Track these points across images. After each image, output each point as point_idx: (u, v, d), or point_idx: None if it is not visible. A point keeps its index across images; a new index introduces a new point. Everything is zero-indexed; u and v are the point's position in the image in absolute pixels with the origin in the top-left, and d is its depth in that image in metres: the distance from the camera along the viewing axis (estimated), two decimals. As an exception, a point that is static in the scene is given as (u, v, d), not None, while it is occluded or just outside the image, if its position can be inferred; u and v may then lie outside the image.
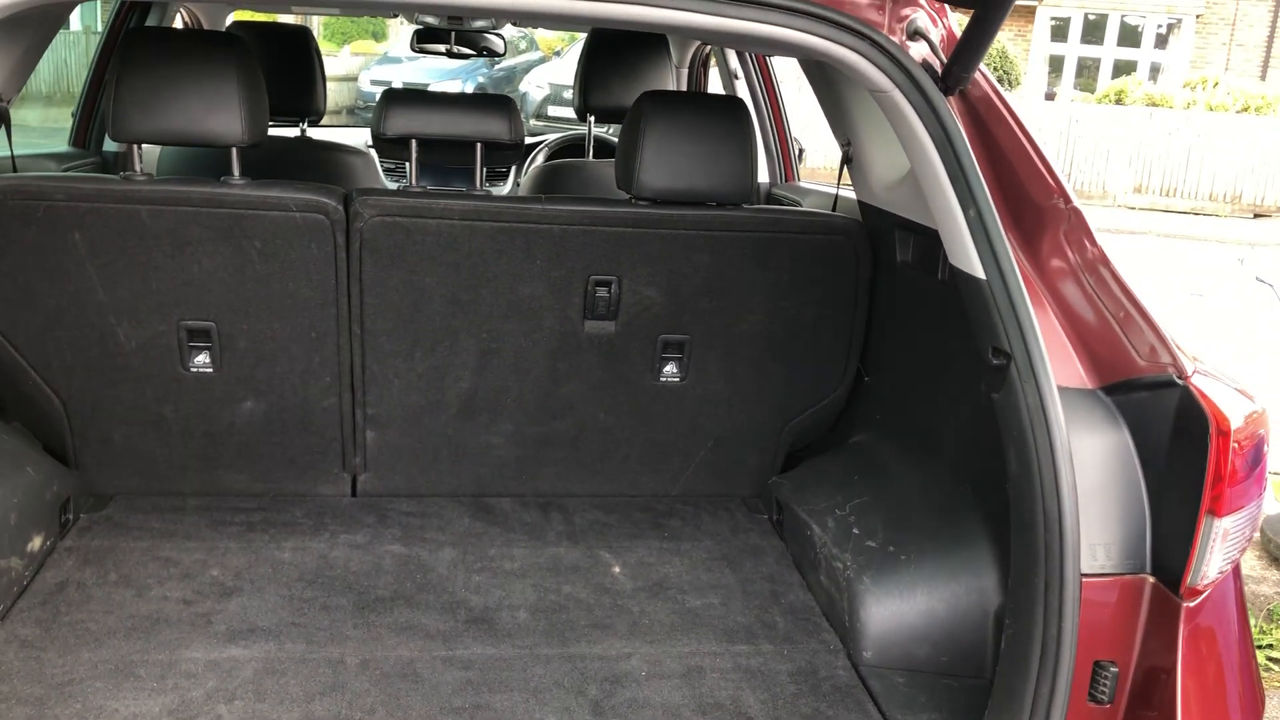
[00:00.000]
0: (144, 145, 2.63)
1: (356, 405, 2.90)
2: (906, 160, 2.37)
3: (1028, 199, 2.05)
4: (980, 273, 1.96)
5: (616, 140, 5.37)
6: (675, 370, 2.97)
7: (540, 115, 17.61)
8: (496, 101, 2.82)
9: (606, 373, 2.93)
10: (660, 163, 2.70)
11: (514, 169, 5.10)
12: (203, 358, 2.80)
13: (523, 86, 18.33)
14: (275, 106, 3.76)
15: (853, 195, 3.06)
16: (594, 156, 4.31)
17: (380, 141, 2.79)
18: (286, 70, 3.80)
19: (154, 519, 2.80)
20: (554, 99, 17.56)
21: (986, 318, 1.96)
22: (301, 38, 3.86)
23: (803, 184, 3.90)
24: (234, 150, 2.65)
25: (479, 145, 2.78)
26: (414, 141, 2.77)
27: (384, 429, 2.94)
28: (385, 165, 4.68)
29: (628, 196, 2.80)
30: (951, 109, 2.02)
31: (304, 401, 2.87)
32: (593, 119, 4.15)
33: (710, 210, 2.78)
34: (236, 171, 2.66)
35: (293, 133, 4.14)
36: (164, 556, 2.61)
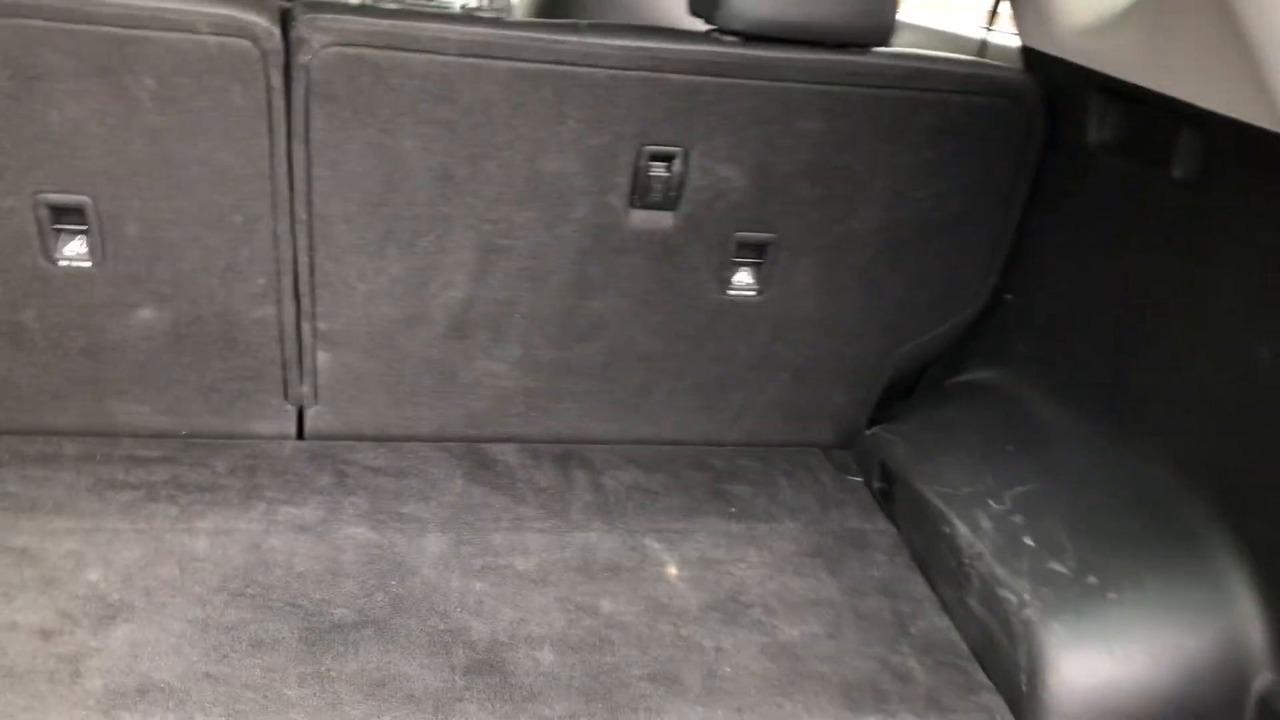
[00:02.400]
0: None
1: (303, 317, 2.04)
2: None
3: None
4: None
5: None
6: (750, 280, 2.13)
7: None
8: None
9: (655, 280, 2.09)
10: None
11: None
12: (76, 246, 1.91)
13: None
14: None
15: (1009, 42, 2.18)
16: None
17: None
18: None
19: (10, 474, 1.96)
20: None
21: None
22: None
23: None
24: None
25: None
26: None
27: (341, 349, 2.09)
28: None
29: (706, 28, 1.90)
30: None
31: (226, 310, 2.00)
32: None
33: (828, 54, 1.89)
34: None
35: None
36: (18, 547, 1.79)
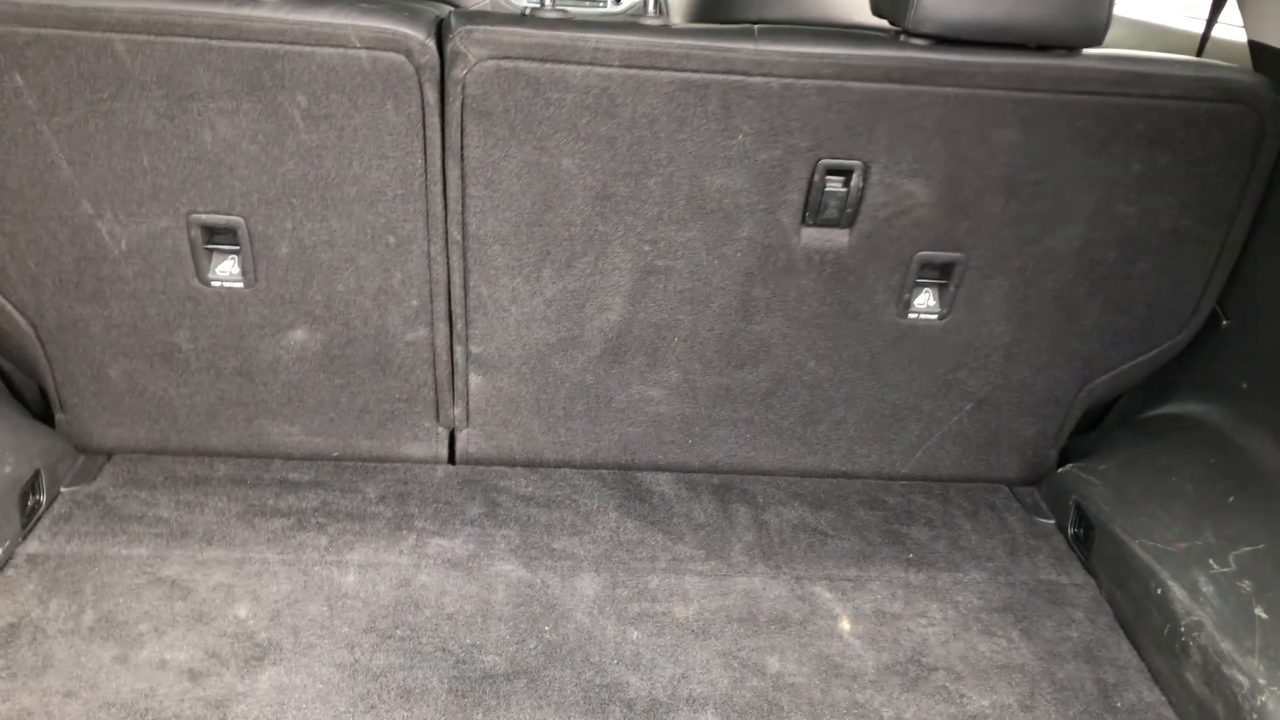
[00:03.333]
0: None
1: (456, 340, 1.95)
2: None
3: None
4: None
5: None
6: (933, 303, 1.95)
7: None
8: None
9: (826, 303, 1.93)
10: None
11: None
12: (229, 266, 1.86)
13: None
14: None
15: (1237, 37, 1.93)
16: None
17: None
18: None
19: (163, 498, 1.93)
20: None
21: None
22: None
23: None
24: None
25: None
26: None
27: (494, 373, 2.00)
28: None
29: (893, 30, 1.72)
30: None
31: (379, 332, 1.93)
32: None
33: (1031, 57, 1.69)
34: None
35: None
36: (169, 577, 1.75)
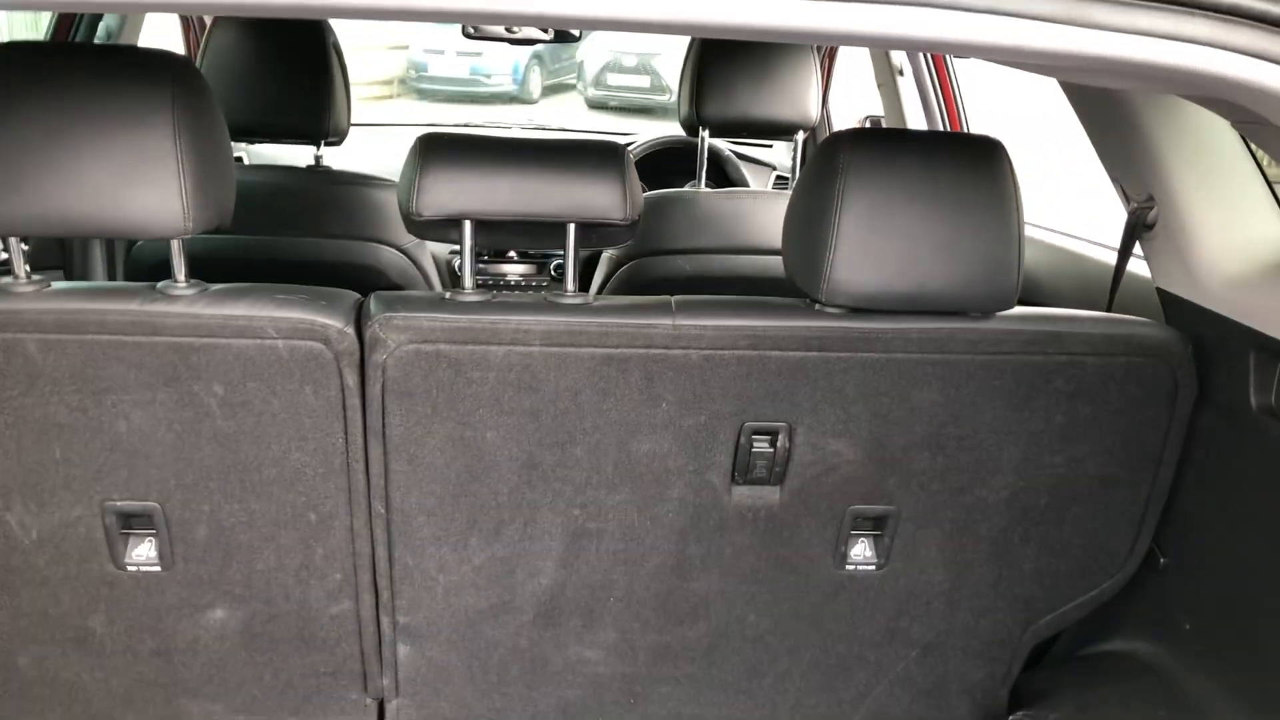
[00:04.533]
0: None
1: (382, 610, 1.89)
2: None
3: None
4: None
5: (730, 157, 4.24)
6: (869, 553, 1.92)
7: (599, 84, 16.39)
8: (601, 156, 1.74)
9: (762, 558, 1.90)
10: (868, 253, 1.64)
11: None
12: (144, 550, 1.80)
13: (579, 53, 17.11)
14: (273, 126, 2.77)
15: (1140, 272, 1.98)
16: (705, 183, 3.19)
17: (414, 222, 1.73)
18: (290, 75, 2.74)
19: (74, 797, 1.82)
20: (614, 66, 16.34)
21: None
22: (313, 33, 2.77)
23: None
24: (176, 244, 1.63)
25: (571, 226, 1.73)
26: (467, 224, 1.71)
27: (423, 642, 1.93)
28: None
29: (807, 300, 1.75)
30: None
31: (302, 607, 1.87)
32: (706, 133, 3.01)
33: (943, 322, 1.71)
34: (181, 273, 1.65)
35: (307, 151, 3.03)
36: None
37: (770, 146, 4.52)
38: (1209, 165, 1.75)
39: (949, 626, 2.00)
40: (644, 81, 15.81)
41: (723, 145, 4.03)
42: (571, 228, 1.71)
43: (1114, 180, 1.93)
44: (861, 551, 1.92)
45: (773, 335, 1.69)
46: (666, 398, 1.72)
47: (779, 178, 4.33)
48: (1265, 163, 1.76)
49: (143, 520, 1.77)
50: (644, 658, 1.99)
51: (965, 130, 3.09)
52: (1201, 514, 1.88)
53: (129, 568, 1.80)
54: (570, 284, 1.75)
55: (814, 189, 1.68)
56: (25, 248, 1.61)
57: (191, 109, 1.54)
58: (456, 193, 1.66)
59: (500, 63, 16.19)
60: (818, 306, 1.71)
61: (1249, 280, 1.69)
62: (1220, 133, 1.74)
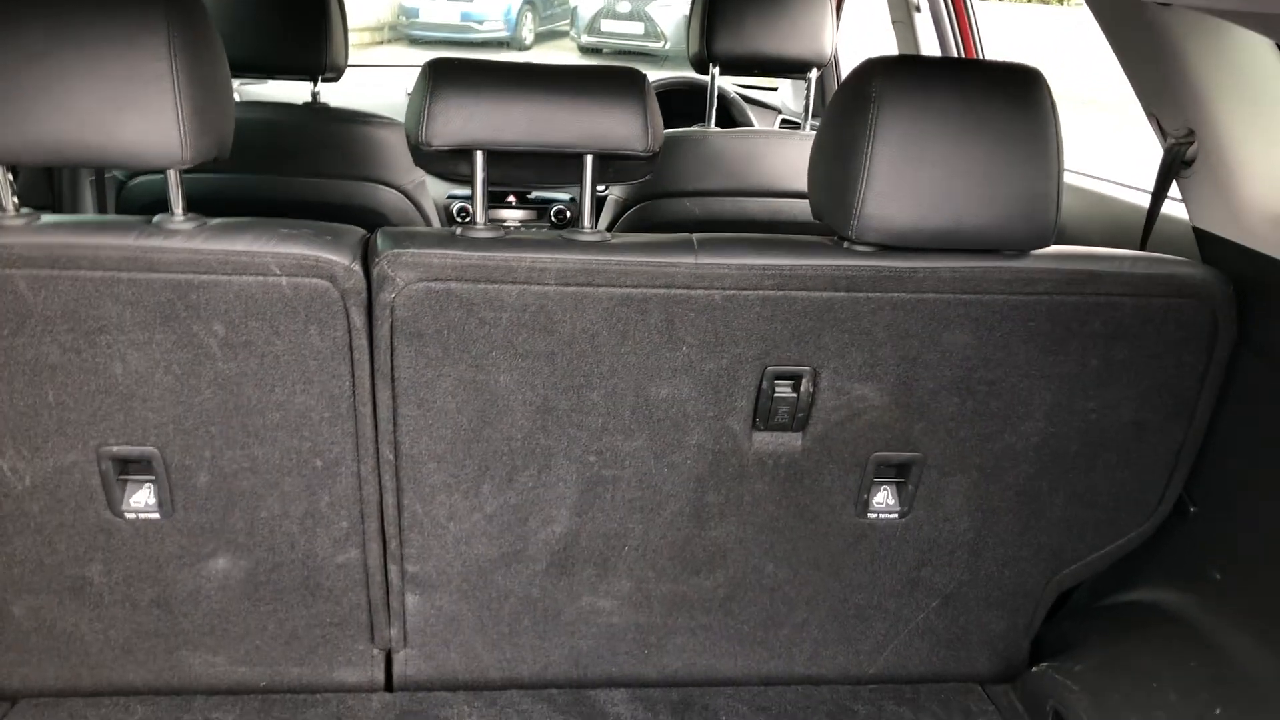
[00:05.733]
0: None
1: (390, 560, 1.83)
2: None
3: None
4: None
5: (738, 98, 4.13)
6: (892, 501, 1.86)
7: (593, 30, 16.13)
8: (622, 83, 1.64)
9: (782, 506, 1.84)
10: (901, 188, 1.56)
11: None
12: (143, 496, 1.73)
13: (572, -2, 16.83)
14: (270, 61, 2.67)
15: (1179, 215, 1.91)
16: (716, 123, 3.10)
17: (422, 153, 1.65)
18: (288, 6, 2.64)
19: (74, 750, 1.77)
20: (608, 12, 16.07)
21: None
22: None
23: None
24: (173, 175, 1.54)
25: (589, 158, 1.64)
26: (479, 154, 1.63)
27: (432, 591, 1.87)
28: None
29: (834, 238, 1.67)
30: None
31: (307, 555, 1.81)
32: (717, 70, 2.92)
33: (977, 261, 1.64)
34: (178, 208, 1.56)
35: (301, 92, 2.94)
36: None
37: (775, 90, 4.42)
38: (1254, 94, 1.67)
39: (971, 576, 1.95)
40: (638, 28, 15.58)
41: (729, 86, 3.93)
42: (589, 159, 1.63)
43: (1149, 114, 1.84)
44: (884, 499, 1.86)
45: (799, 275, 1.61)
46: (687, 340, 1.65)
47: (784, 121, 4.23)
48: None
49: (141, 466, 1.70)
50: (659, 608, 1.94)
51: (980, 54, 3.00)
52: (1235, 461, 1.82)
53: (127, 515, 1.73)
54: (586, 220, 1.67)
55: (844, 120, 1.60)
56: (13, 179, 1.53)
57: (188, 31, 1.45)
58: (468, 119, 1.57)
59: (492, 8, 15.92)
60: (846, 245, 1.64)
61: (1292, 216, 1.62)
62: (1266, 59, 1.66)
